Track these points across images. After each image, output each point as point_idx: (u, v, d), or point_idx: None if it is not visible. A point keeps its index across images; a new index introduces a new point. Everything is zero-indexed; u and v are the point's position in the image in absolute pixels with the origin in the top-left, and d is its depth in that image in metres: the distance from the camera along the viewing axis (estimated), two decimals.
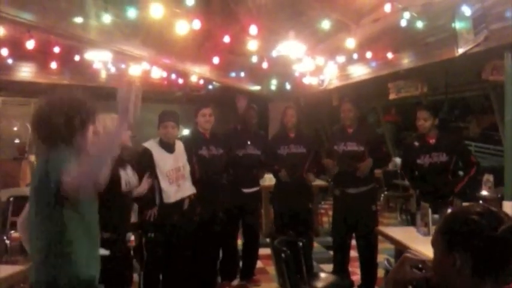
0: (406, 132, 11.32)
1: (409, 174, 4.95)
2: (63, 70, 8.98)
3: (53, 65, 8.58)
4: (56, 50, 7.76)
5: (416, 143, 4.78)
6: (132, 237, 5.21)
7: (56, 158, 2.12)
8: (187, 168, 4.59)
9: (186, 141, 4.97)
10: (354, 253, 5.31)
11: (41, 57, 8.34)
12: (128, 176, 3.68)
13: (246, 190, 5.36)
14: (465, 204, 2.28)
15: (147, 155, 4.29)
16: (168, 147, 4.44)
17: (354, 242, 5.20)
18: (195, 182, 4.71)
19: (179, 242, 4.44)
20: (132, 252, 4.19)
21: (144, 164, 4.18)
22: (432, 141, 4.66)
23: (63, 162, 2.08)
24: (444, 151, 4.60)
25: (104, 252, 3.09)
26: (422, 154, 4.67)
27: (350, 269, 5.27)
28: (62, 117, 2.22)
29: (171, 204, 4.36)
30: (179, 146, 4.59)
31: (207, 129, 4.99)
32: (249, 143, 5.38)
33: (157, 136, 4.50)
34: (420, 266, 1.64)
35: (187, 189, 4.56)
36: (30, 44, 6.67)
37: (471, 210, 1.52)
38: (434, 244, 1.58)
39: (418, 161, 4.68)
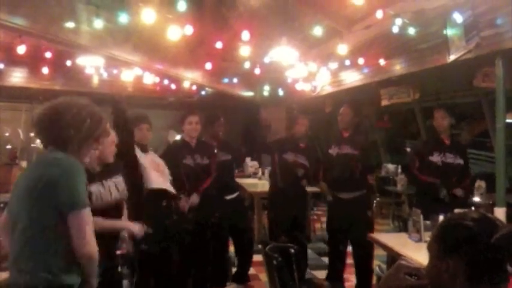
0: (398, 138, 11.34)
1: (411, 174, 4.96)
2: (55, 75, 8.95)
3: (45, 70, 8.55)
4: (48, 55, 7.75)
5: (431, 141, 4.83)
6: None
7: (70, 172, 2.11)
8: (167, 170, 4.50)
9: (170, 149, 4.95)
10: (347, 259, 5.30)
11: (32, 62, 8.31)
12: (103, 189, 3.30)
13: (228, 197, 5.35)
14: (459, 210, 2.27)
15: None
16: (142, 147, 4.35)
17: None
18: (184, 192, 4.69)
19: (167, 248, 4.40)
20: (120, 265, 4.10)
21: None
22: (447, 141, 4.69)
23: (78, 182, 2.11)
24: (457, 154, 4.64)
25: None
26: (436, 152, 4.67)
27: (344, 275, 5.25)
28: (80, 121, 2.21)
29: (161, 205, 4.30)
30: (152, 157, 4.49)
31: (193, 137, 4.94)
32: (216, 151, 5.34)
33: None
34: (415, 273, 1.63)
35: (168, 185, 4.46)
36: (21, 49, 6.65)
37: (467, 216, 1.52)
38: (429, 249, 1.58)
39: (430, 158, 4.68)
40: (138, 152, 4.26)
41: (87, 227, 2.08)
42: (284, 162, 5.42)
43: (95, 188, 3.17)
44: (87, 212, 2.10)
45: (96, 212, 2.64)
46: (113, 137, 3.44)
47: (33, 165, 2.25)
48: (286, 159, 5.42)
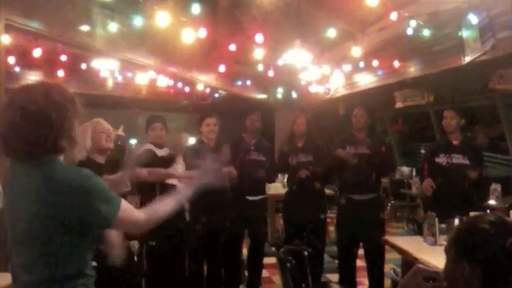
0: (412, 141, 11.28)
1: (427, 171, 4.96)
2: (70, 79, 9.00)
3: (60, 73, 8.61)
4: (63, 58, 7.81)
5: (439, 142, 4.80)
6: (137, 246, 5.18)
7: (84, 188, 1.80)
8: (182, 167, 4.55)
9: (189, 150, 4.96)
10: (359, 262, 5.26)
11: (47, 65, 8.37)
12: None
13: (251, 198, 5.31)
14: (474, 214, 2.25)
15: (151, 153, 4.30)
16: (157, 145, 4.45)
17: (359, 251, 5.17)
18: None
19: (182, 251, 4.42)
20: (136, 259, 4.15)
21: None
22: (455, 142, 4.66)
23: (105, 192, 1.86)
24: (466, 155, 4.59)
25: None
26: (442, 153, 4.66)
27: (358, 279, 5.22)
28: (64, 114, 1.84)
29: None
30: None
31: (211, 139, 4.96)
32: (252, 148, 5.35)
33: (148, 141, 4.54)
34: (432, 277, 1.62)
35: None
36: (37, 53, 6.71)
37: (483, 219, 1.51)
38: (446, 252, 1.57)
39: (436, 160, 4.67)
40: (154, 149, 4.32)
41: (128, 221, 1.93)
42: (290, 166, 5.40)
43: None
44: (121, 211, 1.88)
45: None
46: (103, 125, 3.54)
47: (28, 181, 1.83)
48: (290, 164, 5.39)
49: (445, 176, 4.60)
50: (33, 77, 8.94)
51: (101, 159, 3.56)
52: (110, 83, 9.76)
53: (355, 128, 5.08)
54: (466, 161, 4.57)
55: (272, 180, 5.85)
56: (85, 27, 5.80)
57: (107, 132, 3.57)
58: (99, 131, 3.52)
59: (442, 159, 4.64)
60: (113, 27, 5.51)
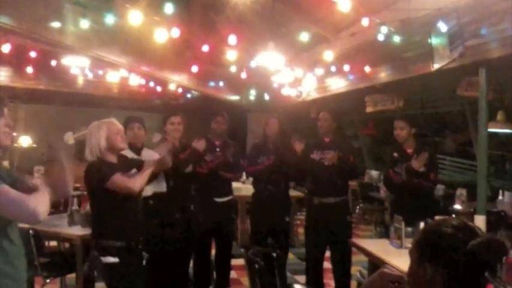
0: (383, 145, 11.42)
1: (388, 184, 5.07)
2: (39, 75, 8.87)
3: (29, 69, 8.48)
4: (33, 54, 7.69)
5: (395, 153, 4.89)
6: None
7: None
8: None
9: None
10: (326, 264, 5.30)
11: (16, 61, 8.23)
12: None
13: (218, 199, 5.31)
14: (439, 218, 2.29)
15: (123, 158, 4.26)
16: (136, 150, 4.39)
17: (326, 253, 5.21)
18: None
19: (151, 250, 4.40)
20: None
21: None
22: (410, 151, 4.79)
23: None
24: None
25: (112, 260, 3.28)
26: (400, 163, 4.78)
27: (324, 280, 5.26)
28: None
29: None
30: (148, 153, 4.52)
31: (176, 138, 4.88)
32: (218, 150, 5.34)
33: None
34: (397, 281, 1.64)
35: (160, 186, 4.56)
36: (5, 48, 6.60)
37: (446, 223, 1.54)
38: (410, 255, 1.59)
39: (396, 169, 4.80)
40: (129, 154, 4.24)
41: (8, 200, 1.93)
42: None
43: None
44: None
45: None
46: (117, 125, 3.53)
47: None
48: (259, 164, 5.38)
49: (406, 186, 4.74)
50: (1, 73, 8.77)
51: (113, 159, 3.53)
52: (80, 81, 9.63)
53: (320, 132, 5.14)
54: (422, 169, 4.69)
55: (236, 177, 5.83)
56: (56, 24, 5.73)
57: (121, 133, 3.57)
58: (114, 132, 3.50)
59: (400, 170, 4.79)
60: (85, 24, 5.45)
